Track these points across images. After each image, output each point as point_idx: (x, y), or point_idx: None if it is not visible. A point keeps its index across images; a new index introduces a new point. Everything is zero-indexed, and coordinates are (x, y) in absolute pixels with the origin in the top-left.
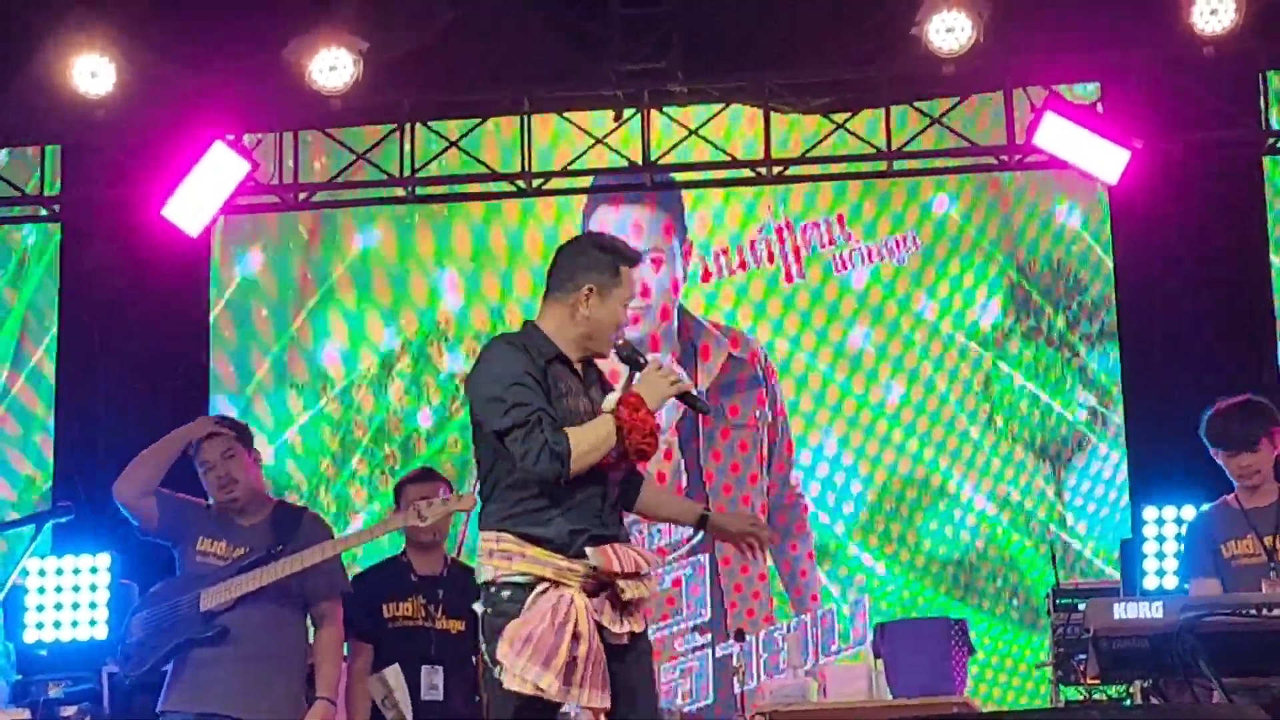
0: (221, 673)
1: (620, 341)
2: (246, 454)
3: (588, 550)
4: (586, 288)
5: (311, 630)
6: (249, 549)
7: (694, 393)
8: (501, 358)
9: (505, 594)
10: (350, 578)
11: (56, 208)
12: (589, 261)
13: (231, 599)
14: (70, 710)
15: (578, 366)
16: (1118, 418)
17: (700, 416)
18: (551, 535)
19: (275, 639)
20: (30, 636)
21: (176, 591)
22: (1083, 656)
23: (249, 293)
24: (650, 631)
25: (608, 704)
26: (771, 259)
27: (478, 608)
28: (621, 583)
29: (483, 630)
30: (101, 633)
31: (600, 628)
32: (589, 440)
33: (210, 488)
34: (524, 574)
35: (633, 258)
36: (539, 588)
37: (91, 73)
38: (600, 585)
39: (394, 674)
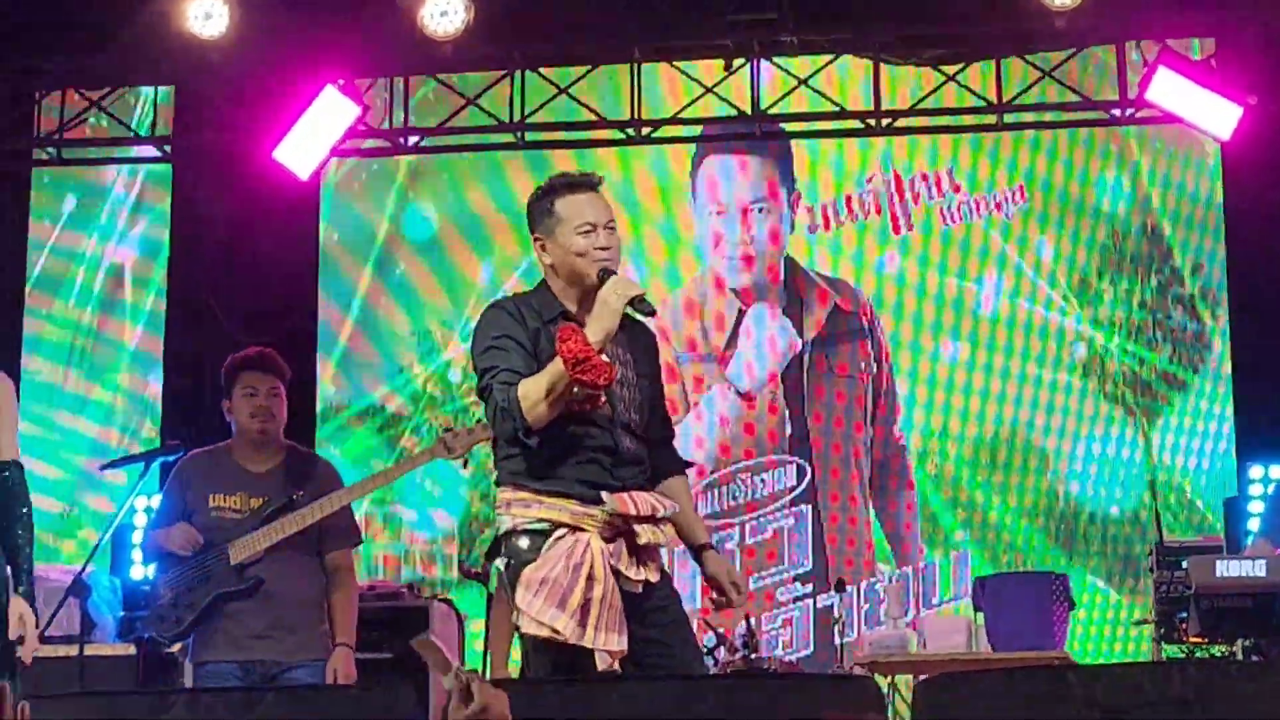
0: (261, 622)
1: (600, 270)
2: (285, 397)
3: (604, 495)
4: (537, 241)
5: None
6: (266, 498)
7: (642, 296)
8: (485, 323)
9: (523, 542)
10: None
11: (168, 148)
12: (531, 216)
13: (260, 550)
14: (174, 646)
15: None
16: (1225, 370)
17: (806, 366)
18: (566, 486)
19: (303, 584)
20: (137, 573)
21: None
22: (1185, 614)
23: (361, 237)
24: (752, 582)
25: (624, 647)
26: (879, 211)
27: (499, 562)
28: (638, 527)
29: (503, 581)
30: None
31: (617, 574)
32: (538, 387)
33: (241, 412)
34: (542, 520)
35: (573, 182)
36: (556, 533)
37: (206, 15)
38: (617, 531)
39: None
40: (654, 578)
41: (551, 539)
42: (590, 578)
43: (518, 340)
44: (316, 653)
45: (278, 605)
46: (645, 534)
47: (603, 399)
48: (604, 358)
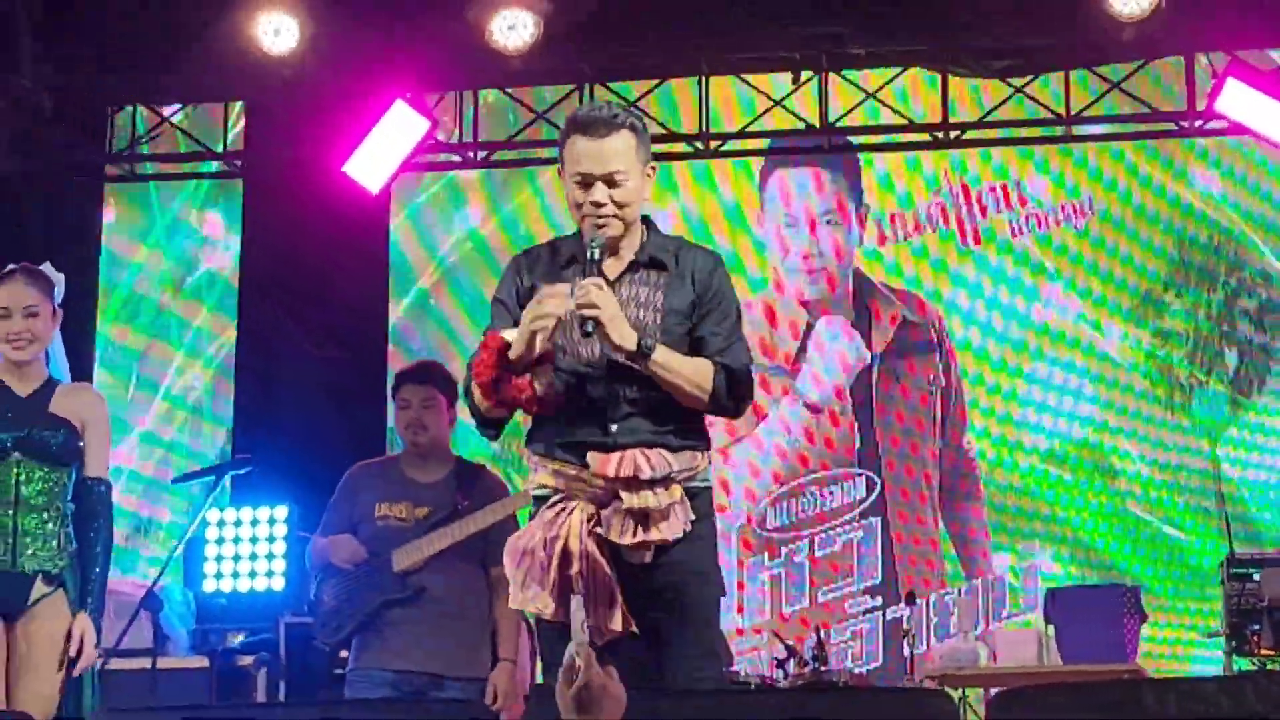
0: (421, 631)
1: (592, 239)
2: (446, 408)
3: (588, 457)
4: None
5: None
6: (432, 508)
7: (580, 316)
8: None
9: (533, 508)
10: None
11: (239, 163)
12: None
13: (424, 558)
14: (247, 659)
15: (607, 264)
16: None
17: (874, 379)
18: (557, 449)
19: (466, 596)
20: (209, 586)
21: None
22: (1257, 626)
23: (432, 251)
24: (821, 594)
25: (616, 622)
26: (947, 223)
27: None
28: (623, 491)
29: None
30: (279, 584)
31: (611, 544)
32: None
33: (399, 426)
34: (543, 486)
35: (587, 121)
36: (551, 499)
37: (275, 30)
38: (612, 495)
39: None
40: (666, 536)
41: (544, 506)
42: (565, 553)
43: (505, 303)
44: (475, 668)
45: (439, 614)
46: (631, 499)
47: (537, 390)
48: (530, 379)
